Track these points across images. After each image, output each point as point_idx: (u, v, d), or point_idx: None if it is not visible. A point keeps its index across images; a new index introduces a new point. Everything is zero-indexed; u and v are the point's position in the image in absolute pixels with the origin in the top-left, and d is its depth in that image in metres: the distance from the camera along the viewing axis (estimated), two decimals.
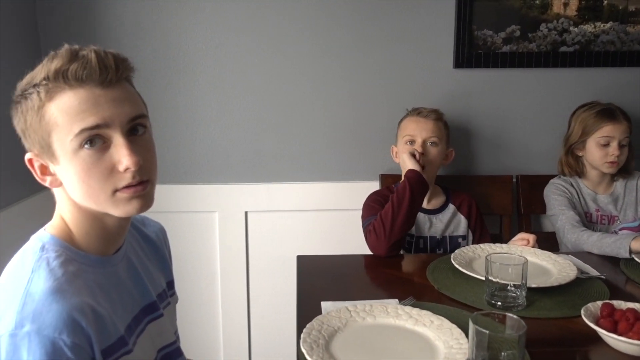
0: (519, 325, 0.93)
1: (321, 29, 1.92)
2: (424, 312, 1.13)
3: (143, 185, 0.84)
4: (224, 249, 2.04)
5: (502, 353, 0.92)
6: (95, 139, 0.79)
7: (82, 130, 0.78)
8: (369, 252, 1.62)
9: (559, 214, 1.76)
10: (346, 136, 2.00)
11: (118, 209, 0.84)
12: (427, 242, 1.79)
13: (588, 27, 1.94)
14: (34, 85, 0.80)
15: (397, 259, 1.59)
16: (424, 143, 1.75)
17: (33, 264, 0.81)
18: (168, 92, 1.92)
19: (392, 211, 1.58)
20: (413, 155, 1.69)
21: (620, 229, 1.78)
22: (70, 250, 0.85)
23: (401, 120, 1.85)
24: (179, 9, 1.88)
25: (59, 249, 0.84)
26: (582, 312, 1.11)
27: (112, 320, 0.84)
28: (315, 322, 1.09)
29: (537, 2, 1.92)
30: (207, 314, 2.06)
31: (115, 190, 0.82)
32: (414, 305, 1.18)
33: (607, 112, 1.76)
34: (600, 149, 1.77)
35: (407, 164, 1.68)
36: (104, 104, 0.80)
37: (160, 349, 0.98)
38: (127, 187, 0.82)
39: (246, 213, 2.03)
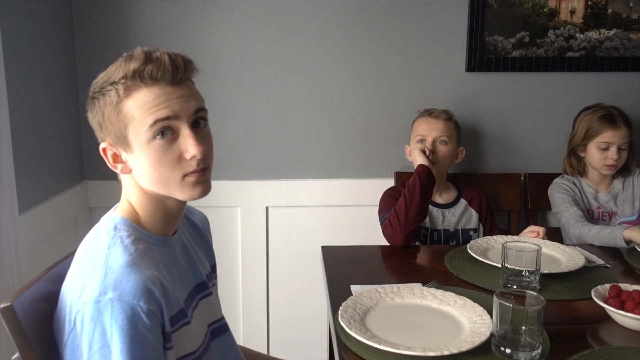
0: (538, 300, 1.03)
1: (342, 34, 2.03)
2: (448, 293, 1.24)
3: (204, 172, 0.94)
4: (245, 243, 2.14)
5: (523, 327, 1.02)
6: (165, 131, 0.89)
7: (156, 122, 0.88)
8: (386, 244, 1.73)
9: (563, 210, 1.87)
10: (362, 135, 2.11)
11: (184, 193, 0.94)
12: (441, 235, 1.89)
13: (593, 34, 2.05)
14: (112, 83, 0.89)
15: (415, 249, 1.70)
16: (434, 142, 1.86)
17: (109, 241, 0.92)
18: None
19: (405, 204, 1.69)
20: (423, 152, 1.80)
21: (619, 224, 1.89)
22: (138, 230, 0.95)
23: (414, 121, 1.96)
24: (206, 13, 1.99)
25: (129, 229, 0.94)
26: (592, 293, 1.22)
27: (174, 293, 0.94)
28: (349, 301, 1.19)
29: (545, 9, 2.03)
30: (229, 304, 2.16)
31: (184, 176, 0.92)
32: (437, 288, 1.29)
33: (609, 118, 1.85)
34: (600, 153, 1.87)
35: (417, 160, 1.79)
36: (174, 99, 0.90)
37: (210, 324, 1.08)
38: (193, 172, 0.92)
39: (267, 208, 2.13)
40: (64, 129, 1.90)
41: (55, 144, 1.84)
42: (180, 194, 0.94)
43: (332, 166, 2.12)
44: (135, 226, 0.96)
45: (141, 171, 0.93)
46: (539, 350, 1.02)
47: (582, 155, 1.94)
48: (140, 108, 0.88)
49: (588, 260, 1.51)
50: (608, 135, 1.85)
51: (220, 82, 2.03)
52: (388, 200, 1.83)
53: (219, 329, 1.11)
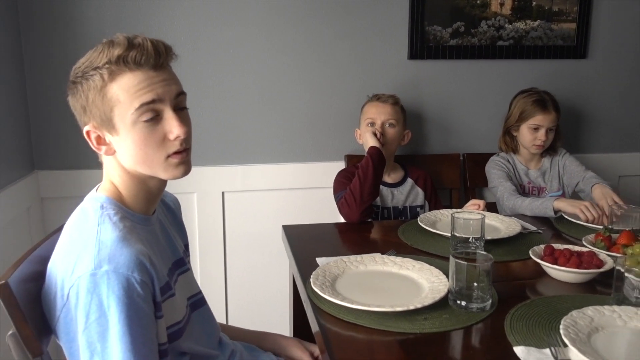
0: (487, 258, 1.17)
1: (291, 23, 2.11)
2: (406, 259, 1.37)
3: (187, 152, 1.00)
4: (202, 228, 2.19)
5: (475, 283, 1.16)
6: (150, 113, 0.95)
7: (141, 105, 0.93)
8: (342, 222, 1.84)
9: (498, 185, 2.06)
10: (313, 121, 2.21)
11: (167, 173, 1.00)
12: (391, 212, 2.03)
13: (520, 25, 2.25)
14: (95, 68, 0.93)
15: (369, 225, 1.82)
16: (382, 125, 1.99)
17: (97, 218, 0.96)
18: None
19: (359, 183, 1.81)
20: (374, 135, 1.93)
21: (548, 197, 2.10)
22: (122, 209, 1.00)
23: (363, 105, 2.08)
24: (156, 3, 2.00)
25: (115, 207, 0.99)
26: (530, 252, 1.39)
27: (160, 267, 1.00)
28: (319, 270, 1.29)
29: (478, 1, 2.20)
30: None
31: (167, 156, 0.98)
32: (396, 256, 1.41)
33: (541, 103, 2.05)
34: (530, 133, 2.08)
35: (369, 142, 1.91)
36: (157, 83, 0.95)
37: (189, 297, 1.15)
38: (176, 152, 0.98)
39: (223, 193, 2.18)
40: (11, 118, 1.87)
41: (3, 134, 1.80)
42: (163, 174, 1.00)
43: (285, 151, 2.21)
44: (120, 205, 1.01)
45: (126, 152, 0.98)
46: (489, 302, 1.17)
47: (514, 134, 2.13)
48: (125, 92, 0.93)
49: (523, 228, 1.69)
50: (539, 119, 2.05)
51: (176, 70, 2.05)
52: (342, 181, 1.95)
53: (197, 302, 1.18)
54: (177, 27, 2.04)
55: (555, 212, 1.80)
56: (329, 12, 2.12)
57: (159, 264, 0.99)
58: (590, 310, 1.07)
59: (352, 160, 2.19)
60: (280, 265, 2.18)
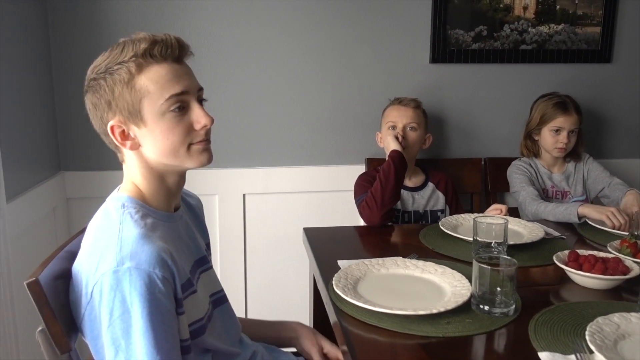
0: (511, 263, 1.16)
1: (314, 28, 2.12)
2: (428, 263, 1.37)
3: (209, 142, 1.03)
4: (223, 230, 2.21)
5: (498, 288, 1.16)
6: (179, 104, 0.98)
7: (171, 96, 0.97)
8: (362, 225, 1.84)
9: (520, 190, 2.04)
10: (335, 124, 2.22)
11: (192, 160, 1.01)
12: (412, 216, 2.02)
13: (544, 28, 2.24)
14: (120, 63, 0.95)
15: (390, 228, 1.82)
16: (404, 128, 1.99)
17: (119, 217, 0.98)
18: None
19: (380, 186, 1.81)
20: (396, 138, 1.93)
21: (571, 202, 2.08)
22: (144, 207, 1.02)
23: (385, 109, 2.08)
24: (182, 8, 2.03)
25: (136, 206, 1.01)
26: (554, 258, 1.37)
27: (182, 264, 1.01)
28: (341, 273, 1.30)
29: (501, 5, 2.19)
30: None
31: (191, 144, 1.00)
32: (417, 259, 1.41)
33: (561, 105, 2.04)
34: (552, 136, 2.06)
35: (391, 145, 1.91)
36: (183, 76, 0.99)
37: (211, 295, 1.16)
38: (200, 141, 1.01)
39: (244, 195, 2.20)
40: (39, 120, 1.91)
41: (32, 136, 1.85)
42: (189, 162, 1.01)
43: (307, 154, 2.22)
44: (141, 203, 1.02)
45: (152, 143, 0.99)
46: (513, 307, 1.16)
47: (536, 138, 2.11)
48: (155, 83, 0.96)
49: (546, 233, 1.67)
50: (560, 121, 2.03)
51: (195, 72, 2.07)
52: (363, 184, 1.95)
53: (219, 299, 1.18)
54: (201, 30, 2.07)
55: (580, 217, 1.78)
56: (352, 15, 2.13)
57: (180, 261, 1.00)
58: (616, 317, 1.06)
59: (373, 163, 2.19)
60: (300, 267, 2.19)
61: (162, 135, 0.98)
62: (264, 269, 2.27)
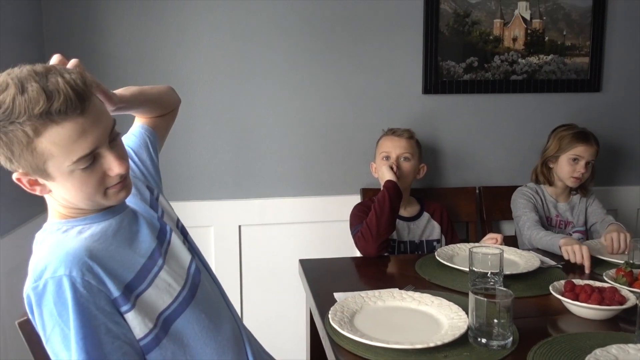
0: (507, 295, 1.16)
1: (308, 60, 2.15)
2: (424, 294, 1.36)
3: (125, 179, 0.97)
4: (219, 262, 2.19)
5: (495, 320, 1.15)
6: (88, 160, 0.89)
7: (79, 158, 0.88)
8: (358, 256, 1.84)
9: (522, 215, 2.05)
10: (330, 155, 2.23)
11: (110, 201, 0.97)
12: (407, 246, 2.02)
13: (533, 59, 2.28)
14: (13, 122, 0.83)
15: (386, 259, 1.81)
16: (398, 158, 2.00)
17: (37, 244, 0.97)
18: None
19: (375, 217, 1.81)
20: (391, 168, 1.94)
21: (573, 232, 2.09)
22: (69, 222, 0.97)
23: (379, 139, 2.10)
24: (175, 38, 2.07)
25: (56, 225, 0.97)
26: (550, 288, 1.37)
27: (124, 257, 0.97)
28: (337, 306, 1.29)
29: (491, 37, 2.24)
30: None
31: (107, 189, 0.95)
32: (414, 291, 1.40)
33: (582, 135, 2.05)
34: (569, 165, 2.06)
35: (386, 176, 1.92)
36: (89, 130, 0.87)
37: (188, 266, 1.09)
38: (115, 185, 0.95)
39: (239, 227, 2.20)
40: None
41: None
42: (107, 202, 0.98)
43: (302, 184, 2.23)
44: (65, 221, 0.97)
45: (64, 193, 0.93)
46: (510, 339, 1.15)
47: (551, 166, 2.12)
48: (58, 146, 0.86)
49: (542, 262, 1.67)
50: (580, 150, 2.04)
51: (192, 105, 2.10)
52: (359, 215, 1.95)
53: (197, 269, 1.11)
54: (197, 63, 2.09)
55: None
56: (345, 47, 2.17)
57: (119, 253, 0.97)
58: (614, 349, 1.05)
59: (368, 193, 2.20)
60: (296, 299, 2.17)
61: (73, 188, 0.92)
62: (260, 301, 2.24)
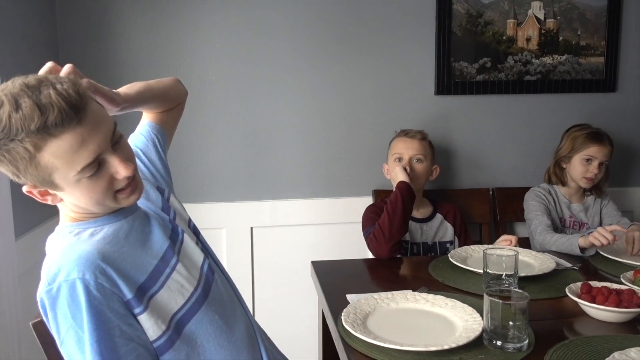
0: (522, 296, 1.15)
1: (321, 61, 2.15)
2: (438, 296, 1.35)
3: (134, 181, 0.97)
4: (231, 263, 2.19)
5: (510, 322, 1.14)
6: (93, 168, 0.89)
7: (83, 168, 0.87)
8: (371, 257, 1.83)
9: (533, 218, 2.02)
10: (341, 157, 2.22)
11: (121, 204, 0.97)
12: (420, 248, 2.01)
13: (547, 59, 2.25)
14: (12, 140, 0.83)
15: (399, 261, 1.80)
16: (410, 160, 1.99)
17: (50, 247, 0.98)
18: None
19: (388, 218, 1.80)
20: (405, 169, 1.93)
21: (588, 233, 2.06)
22: (81, 225, 0.97)
23: (391, 141, 2.09)
24: (189, 42, 2.07)
25: (68, 227, 0.98)
26: (567, 290, 1.35)
27: (134, 258, 0.97)
28: (350, 308, 1.28)
29: (504, 37, 2.22)
30: None
31: (116, 193, 0.95)
32: (427, 293, 1.39)
33: (596, 135, 2.03)
34: (582, 165, 2.04)
35: (399, 177, 1.90)
36: (88, 138, 0.87)
37: (202, 265, 1.09)
38: (124, 189, 0.95)
39: (251, 228, 2.20)
40: None
41: None
42: (118, 205, 0.98)
43: (314, 186, 2.22)
44: (77, 224, 0.98)
45: (75, 200, 0.94)
46: (526, 342, 1.14)
47: (564, 166, 2.10)
48: (60, 158, 0.86)
49: (558, 264, 1.65)
50: (593, 150, 2.01)
51: (204, 108, 2.11)
52: (371, 216, 1.94)
53: (210, 266, 1.11)
54: (208, 65, 2.10)
55: (582, 249, 1.75)
56: (358, 48, 2.16)
57: (131, 255, 0.97)
58: (633, 352, 1.03)
59: (380, 195, 2.19)
60: (309, 300, 2.16)
61: (82, 196, 0.92)
62: (272, 303, 2.24)
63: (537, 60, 2.25)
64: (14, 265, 1.51)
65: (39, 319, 0.93)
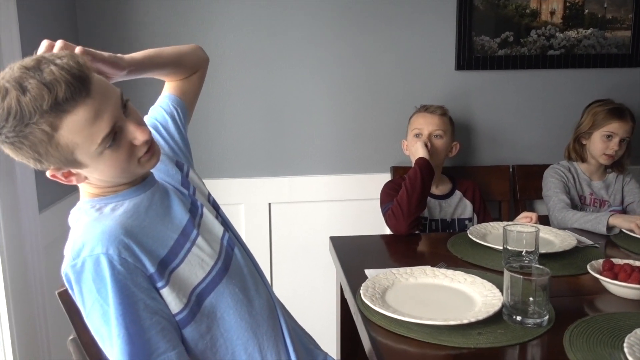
0: (544, 272, 1.14)
1: (338, 36, 2.13)
2: (457, 272, 1.34)
3: (152, 145, 0.97)
4: (249, 239, 2.20)
5: (530, 298, 1.13)
6: (112, 137, 0.89)
7: (104, 137, 0.88)
8: (389, 234, 1.83)
9: (552, 195, 2.00)
10: (360, 133, 2.21)
11: (144, 169, 0.98)
12: (439, 224, 2.00)
13: (572, 33, 2.20)
14: (27, 125, 0.82)
15: (417, 237, 1.80)
16: (430, 135, 1.97)
17: (73, 222, 0.99)
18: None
19: (406, 194, 1.79)
20: (425, 145, 1.91)
21: (610, 211, 2.03)
22: (102, 200, 0.98)
23: (411, 116, 2.06)
24: (206, 15, 2.06)
25: (90, 202, 0.99)
26: (588, 267, 1.34)
27: (158, 232, 0.98)
28: (368, 282, 1.28)
29: (527, 11, 2.16)
30: None
31: (139, 159, 0.95)
32: (446, 269, 1.39)
33: (617, 111, 1.98)
34: (602, 142, 2.00)
35: (419, 152, 1.88)
36: (101, 108, 0.86)
37: (222, 237, 1.09)
38: (146, 153, 0.95)
39: (269, 204, 2.21)
40: None
41: None
42: (141, 171, 0.99)
43: (332, 162, 2.22)
44: (97, 199, 0.99)
45: (100, 175, 0.95)
46: (546, 318, 1.13)
47: (584, 142, 2.06)
48: (79, 133, 0.86)
49: (579, 242, 1.63)
50: (614, 126, 1.97)
51: (221, 83, 2.10)
52: (389, 192, 1.93)
53: (231, 240, 1.12)
54: (226, 40, 2.09)
55: (608, 228, 1.73)
56: (376, 23, 2.13)
57: (152, 229, 0.97)
58: None
59: (399, 171, 2.18)
60: (326, 276, 2.18)
61: (107, 167, 0.92)
62: (290, 278, 2.26)
63: (561, 34, 2.19)
64: (39, 238, 1.54)
65: (64, 288, 0.95)
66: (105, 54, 0.97)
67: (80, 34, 2.01)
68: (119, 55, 1.02)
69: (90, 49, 0.94)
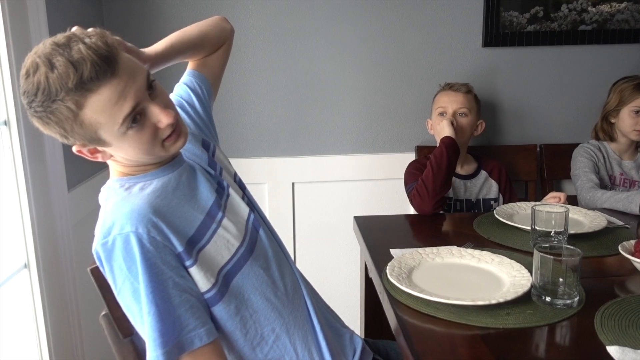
0: (574, 253, 1.12)
1: (363, 12, 2.09)
2: (484, 252, 1.33)
3: (177, 127, 0.97)
4: (272, 218, 2.20)
5: (560, 279, 1.11)
6: (136, 117, 0.90)
7: (125, 118, 0.88)
8: (413, 214, 1.81)
9: (581, 174, 1.96)
10: (385, 111, 2.19)
11: (169, 152, 0.98)
12: (464, 205, 1.98)
13: (605, 7, 2.12)
14: (54, 101, 0.84)
15: (441, 217, 1.78)
16: (454, 114, 1.93)
17: (103, 200, 1.00)
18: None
19: (432, 173, 1.77)
20: (452, 124, 1.88)
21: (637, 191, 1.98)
22: (130, 179, 0.99)
23: (436, 95, 2.03)
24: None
25: (119, 181, 1.00)
26: (619, 248, 1.31)
27: (183, 210, 0.98)
28: (395, 262, 1.28)
29: None
30: None
31: (163, 141, 0.95)
32: (473, 249, 1.37)
33: None
34: (631, 118, 1.96)
35: (445, 131, 1.85)
36: (126, 88, 0.87)
37: (247, 219, 1.09)
38: (170, 136, 0.95)
39: (293, 184, 2.21)
40: None
41: None
42: (166, 154, 0.98)
43: (355, 142, 2.20)
44: (128, 178, 1.00)
45: (124, 154, 0.96)
46: (576, 299, 1.11)
47: (613, 121, 2.01)
48: (102, 113, 0.87)
49: (609, 222, 1.60)
50: None
51: (245, 61, 2.09)
52: (413, 172, 1.91)
53: (256, 221, 1.11)
54: (250, 19, 2.07)
55: None
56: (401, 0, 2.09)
57: (179, 209, 0.98)
58: None
59: (423, 151, 2.15)
60: (350, 256, 2.18)
61: (130, 148, 0.93)
62: (313, 258, 2.27)
63: (593, 9, 2.12)
64: (68, 216, 1.57)
65: (95, 265, 0.96)
66: (130, 45, 0.98)
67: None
68: (141, 50, 1.02)
69: (118, 39, 0.94)
